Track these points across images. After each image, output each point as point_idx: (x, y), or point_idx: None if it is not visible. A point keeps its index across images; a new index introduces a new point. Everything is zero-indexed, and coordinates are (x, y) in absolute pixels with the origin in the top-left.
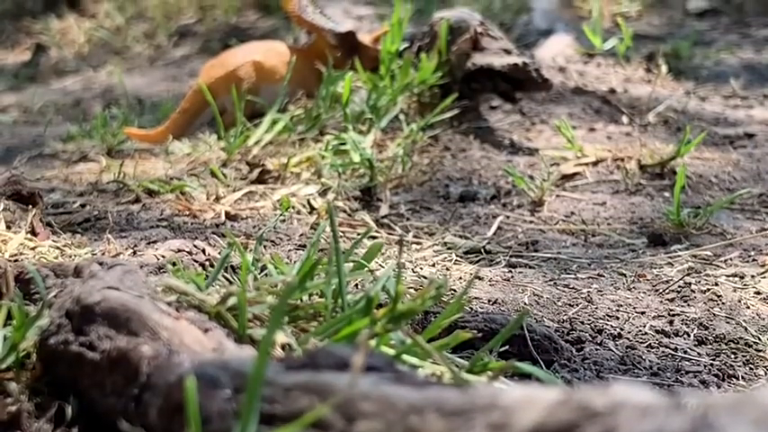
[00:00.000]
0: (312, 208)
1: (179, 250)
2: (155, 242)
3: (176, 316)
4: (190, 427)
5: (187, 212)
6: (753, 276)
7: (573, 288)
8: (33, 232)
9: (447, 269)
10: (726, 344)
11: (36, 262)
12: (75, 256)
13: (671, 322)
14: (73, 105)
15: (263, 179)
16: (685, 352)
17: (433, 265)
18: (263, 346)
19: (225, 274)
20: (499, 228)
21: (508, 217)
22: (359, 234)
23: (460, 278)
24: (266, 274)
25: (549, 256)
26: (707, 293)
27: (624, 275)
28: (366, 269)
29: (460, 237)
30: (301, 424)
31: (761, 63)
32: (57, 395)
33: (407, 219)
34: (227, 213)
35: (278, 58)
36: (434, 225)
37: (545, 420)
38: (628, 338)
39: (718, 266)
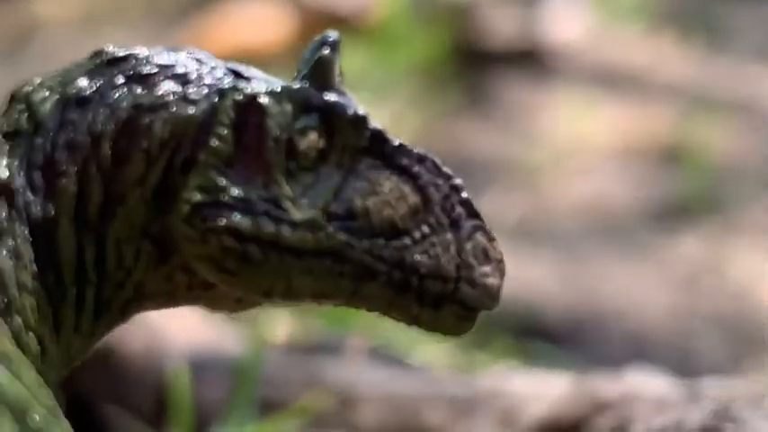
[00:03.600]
0: None
1: None
2: None
3: None
4: (181, 415)
5: None
6: None
7: (582, 271)
8: None
9: None
10: (741, 330)
11: None
12: None
13: (684, 306)
14: None
15: None
16: (699, 338)
17: None
18: (261, 333)
19: None
20: (506, 209)
21: (515, 198)
22: None
23: None
24: None
25: (557, 237)
26: (720, 277)
27: (635, 258)
28: None
29: None
30: (299, 411)
31: None
32: None
33: None
34: None
35: None
36: None
37: (554, 413)
38: (639, 323)
39: (732, 250)
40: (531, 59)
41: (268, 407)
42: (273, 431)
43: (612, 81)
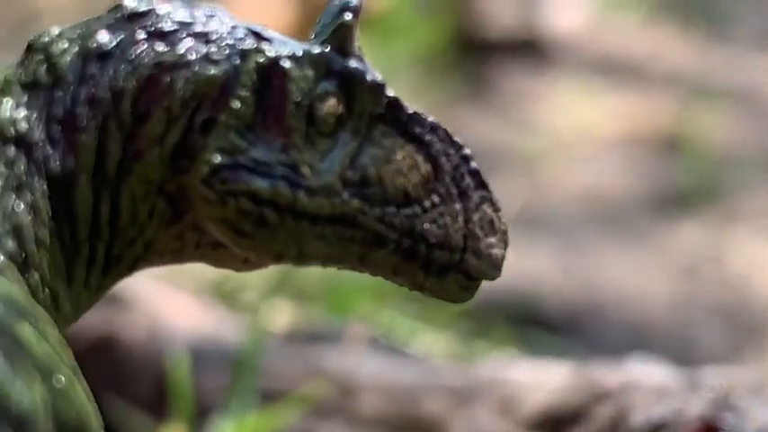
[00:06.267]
0: None
1: None
2: None
3: (173, 289)
4: (181, 404)
5: None
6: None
7: (581, 259)
8: None
9: None
10: (741, 319)
11: None
12: None
13: (683, 295)
14: None
15: None
16: (699, 327)
17: None
18: (261, 322)
19: None
20: (506, 198)
21: (515, 187)
22: None
23: None
24: None
25: (557, 226)
26: (720, 266)
27: (635, 247)
28: None
29: None
30: (299, 400)
31: None
32: None
33: None
34: None
35: None
36: None
37: (553, 402)
38: (639, 312)
39: (732, 238)
40: (531, 48)
41: (268, 396)
42: (273, 420)
43: (612, 70)
